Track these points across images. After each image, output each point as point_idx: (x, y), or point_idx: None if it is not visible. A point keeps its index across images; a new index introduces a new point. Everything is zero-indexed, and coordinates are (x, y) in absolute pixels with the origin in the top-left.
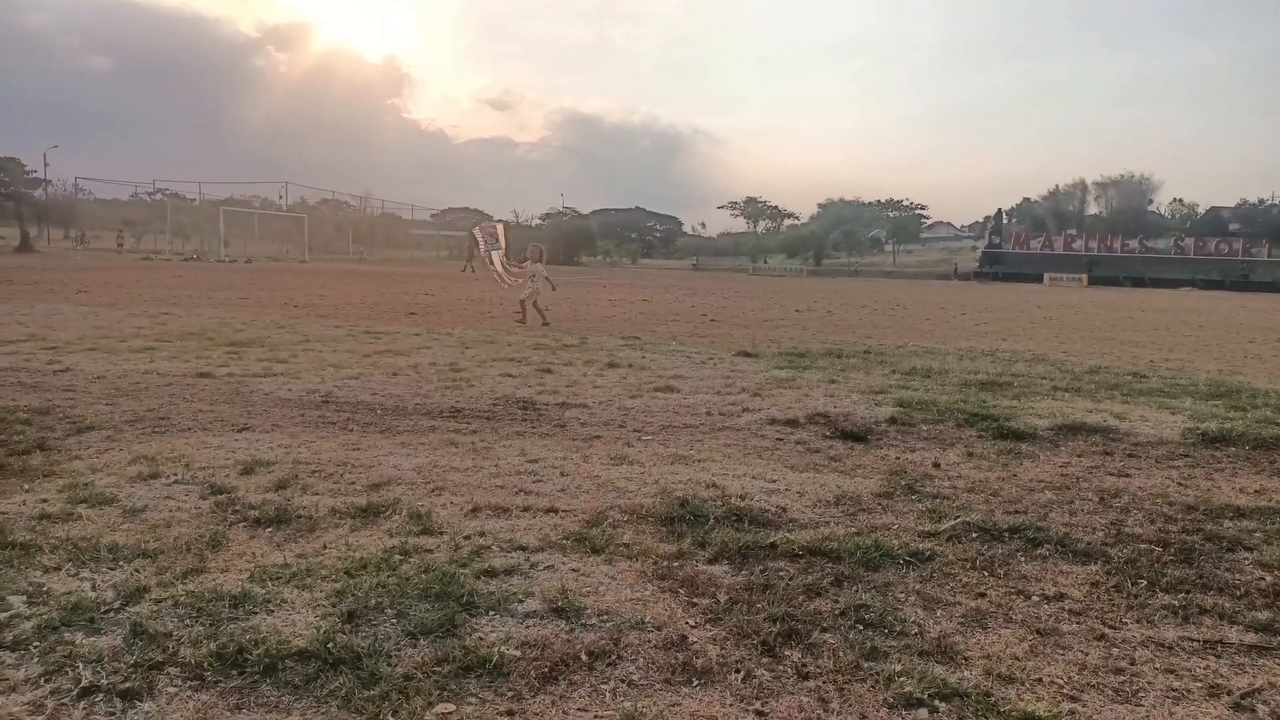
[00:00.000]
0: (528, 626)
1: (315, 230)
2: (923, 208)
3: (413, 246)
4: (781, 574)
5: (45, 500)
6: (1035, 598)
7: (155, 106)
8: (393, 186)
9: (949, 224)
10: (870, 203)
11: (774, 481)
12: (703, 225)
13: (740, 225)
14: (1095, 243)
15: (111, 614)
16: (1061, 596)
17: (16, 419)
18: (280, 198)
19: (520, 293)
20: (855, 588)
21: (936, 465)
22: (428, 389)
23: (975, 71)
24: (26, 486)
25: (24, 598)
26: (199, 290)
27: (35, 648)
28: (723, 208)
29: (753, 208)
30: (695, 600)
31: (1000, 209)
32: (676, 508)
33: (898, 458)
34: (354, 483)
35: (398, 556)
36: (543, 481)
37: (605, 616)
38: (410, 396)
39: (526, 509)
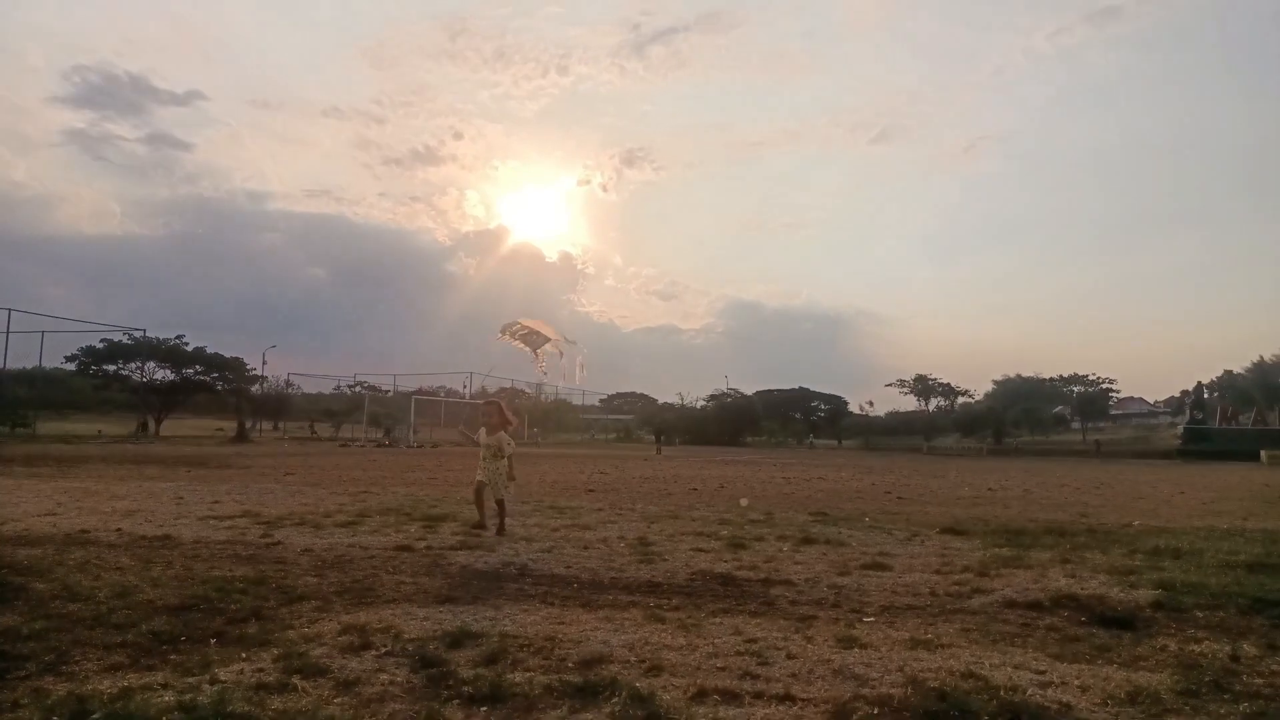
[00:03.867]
0: None
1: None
2: (1110, 382)
3: (583, 429)
4: None
5: (261, 669)
6: None
7: (360, 308)
8: (564, 374)
9: (1140, 399)
10: (1051, 378)
11: (1042, 673)
12: (870, 404)
13: (910, 403)
14: None
15: None
16: None
17: (234, 588)
18: (465, 387)
19: (489, 478)
20: None
21: (1235, 658)
22: (621, 563)
23: (1151, 240)
24: (244, 655)
25: None
26: (392, 472)
27: None
28: (890, 386)
29: (923, 385)
30: None
31: (1200, 382)
32: (934, 701)
33: (1180, 648)
34: (565, 659)
35: None
36: (768, 664)
37: None
38: (604, 570)
39: (758, 695)
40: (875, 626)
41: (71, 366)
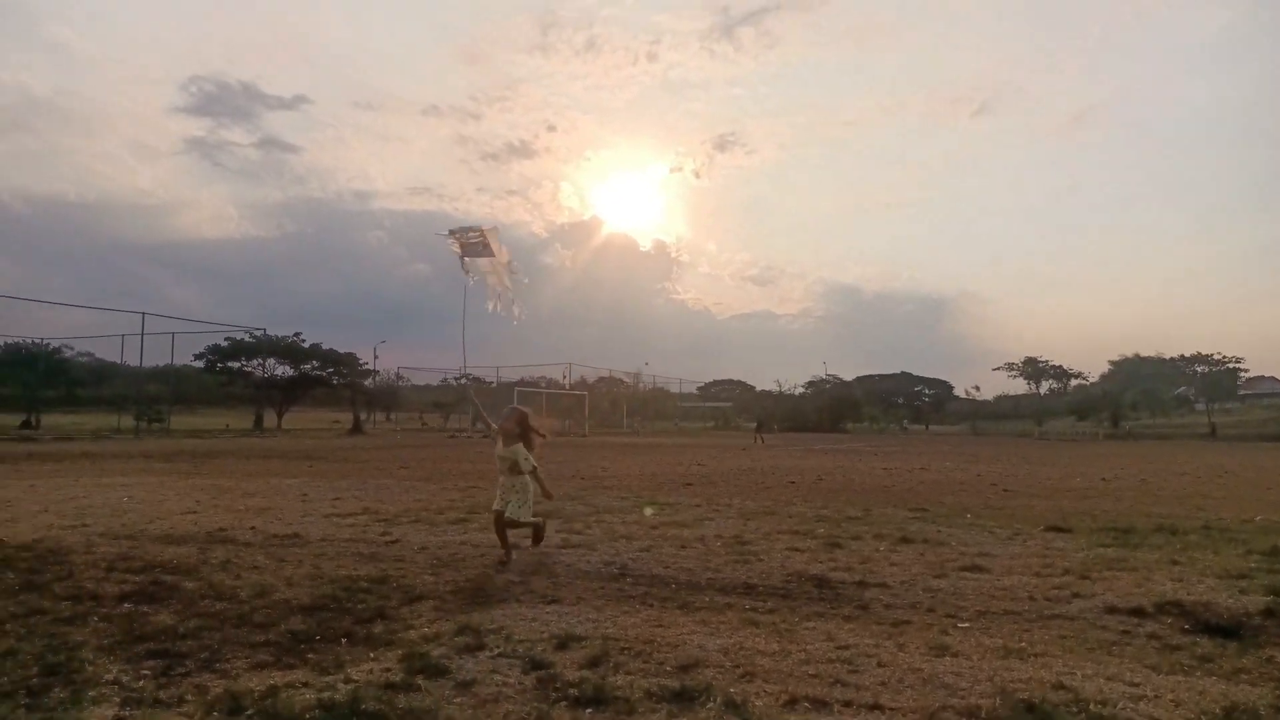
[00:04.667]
0: None
1: (594, 406)
2: (1238, 360)
3: (680, 418)
4: None
5: (389, 670)
6: None
7: (473, 306)
8: (662, 362)
9: (1272, 378)
10: (1173, 358)
11: (1136, 685)
12: (976, 388)
13: (1020, 387)
14: None
15: None
16: None
17: (359, 588)
18: (564, 377)
19: (505, 500)
20: None
21: None
22: (717, 563)
23: (1271, 210)
24: (372, 654)
25: None
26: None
27: None
28: (998, 369)
29: (1033, 368)
30: None
31: None
32: (1022, 713)
33: None
34: (663, 663)
35: None
36: (859, 672)
37: None
38: (701, 570)
39: (848, 704)
40: (969, 633)
41: (200, 364)
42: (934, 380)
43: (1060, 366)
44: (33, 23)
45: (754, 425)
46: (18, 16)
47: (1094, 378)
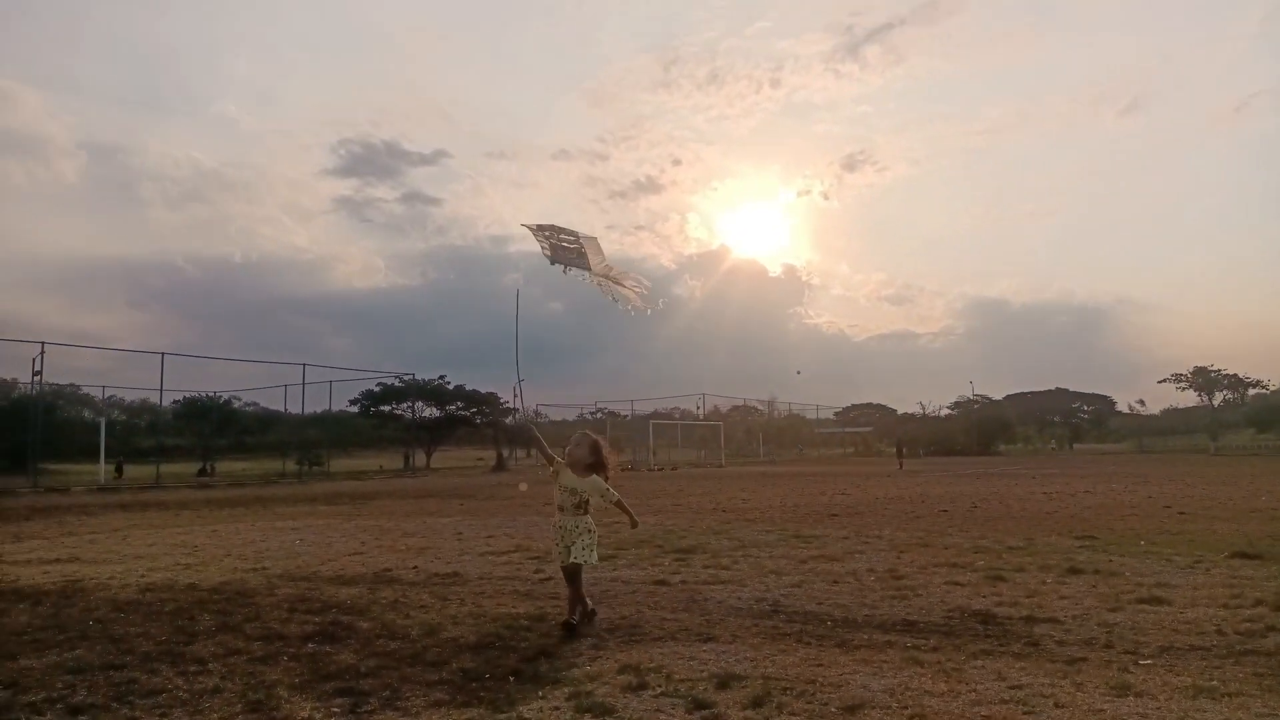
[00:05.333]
0: None
1: (729, 435)
2: None
3: (819, 444)
4: None
5: (557, 708)
6: None
7: (597, 337)
8: (797, 388)
9: None
10: None
11: None
12: (1141, 403)
13: (1190, 399)
14: None
15: None
16: None
17: (520, 625)
18: (697, 408)
19: (567, 542)
20: None
21: None
22: (873, 599)
23: None
24: (540, 693)
25: None
26: (639, 498)
27: None
28: (1164, 381)
29: (1204, 378)
30: None
31: None
32: None
33: None
34: (827, 703)
35: None
36: (1035, 713)
37: None
38: (857, 606)
39: None
40: (1152, 671)
41: (354, 409)
42: (1093, 395)
43: (1235, 375)
44: (201, 103)
45: (894, 449)
46: (188, 97)
47: (1275, 385)
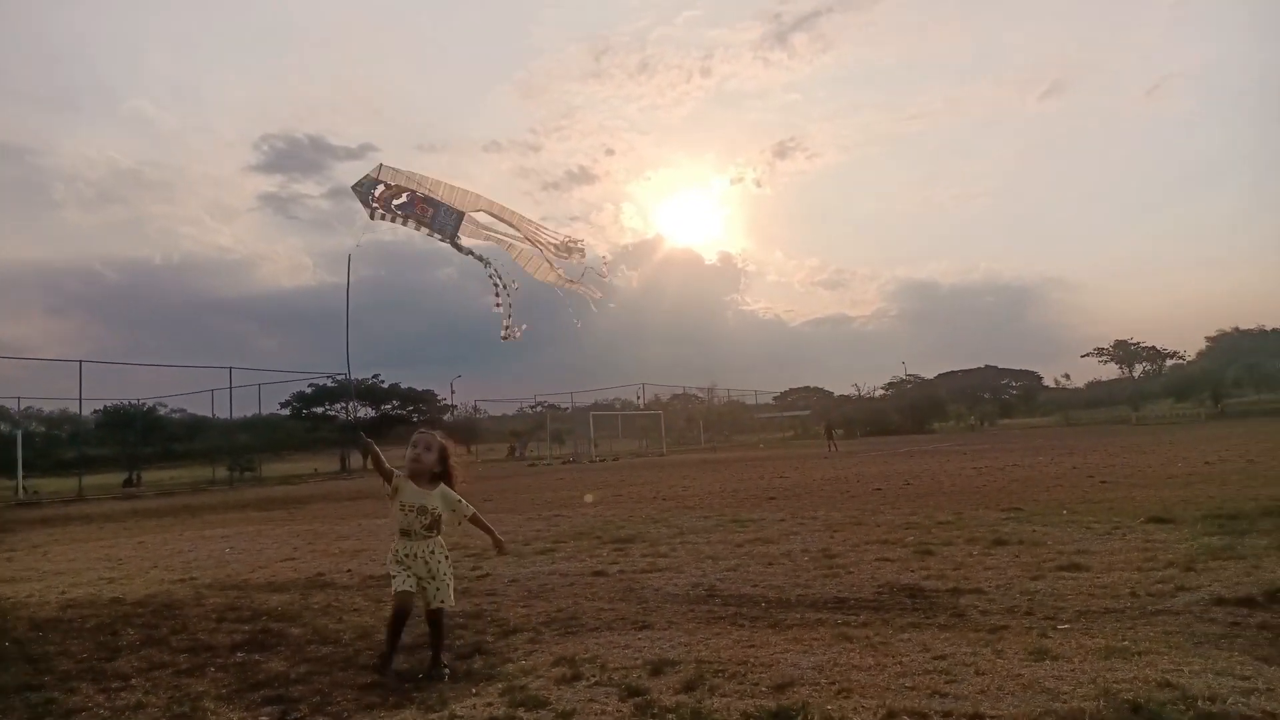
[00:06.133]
0: None
1: (670, 424)
2: None
3: (758, 430)
4: None
5: (490, 704)
6: None
7: (534, 330)
8: (735, 374)
9: None
10: (1276, 328)
11: (1247, 679)
12: (1066, 377)
13: (1112, 372)
14: None
15: None
16: None
17: (455, 624)
18: (638, 398)
19: (416, 573)
20: None
21: None
22: (806, 578)
23: None
24: (474, 690)
25: None
26: (579, 490)
27: None
28: (1088, 355)
29: (1125, 350)
30: None
31: None
32: (1127, 714)
33: None
34: (758, 683)
35: None
36: (958, 681)
37: None
38: (790, 586)
39: (947, 714)
40: (1069, 635)
41: (286, 412)
42: (1021, 372)
43: (1154, 347)
44: (116, 100)
45: (824, 431)
46: (101, 94)
47: (1191, 356)
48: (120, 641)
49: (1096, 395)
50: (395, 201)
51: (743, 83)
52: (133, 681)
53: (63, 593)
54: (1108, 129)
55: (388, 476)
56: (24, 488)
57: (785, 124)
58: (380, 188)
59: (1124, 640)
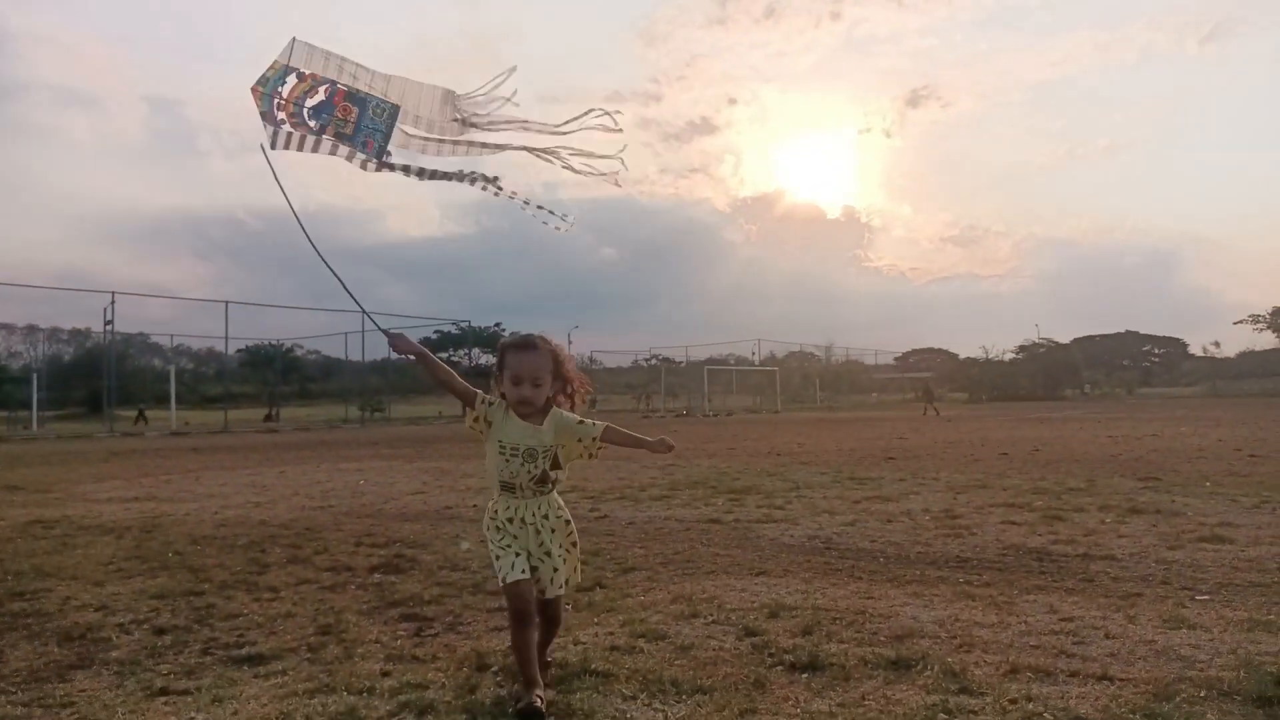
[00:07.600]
0: None
1: (785, 382)
2: None
3: (877, 390)
4: None
5: (612, 633)
6: None
7: (650, 283)
8: (855, 333)
9: None
10: None
11: None
12: (1216, 345)
13: (1268, 341)
14: None
15: None
16: None
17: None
18: (753, 354)
19: (527, 544)
20: None
21: None
22: (926, 537)
23: None
24: (596, 620)
25: None
26: (694, 443)
27: None
28: (1241, 322)
29: None
30: None
31: None
32: (1271, 686)
33: None
34: (876, 633)
35: (942, 715)
36: (1086, 644)
37: None
38: (910, 544)
39: (1074, 674)
40: (1208, 606)
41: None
42: (1165, 339)
43: None
44: (257, 50)
45: (922, 395)
46: (243, 45)
47: None
48: (268, 558)
49: (1249, 366)
50: (309, 103)
51: (875, 27)
52: (282, 594)
53: (215, 513)
54: (1276, 78)
55: (466, 398)
56: (162, 419)
57: (918, 71)
58: (291, 79)
59: (1269, 614)
